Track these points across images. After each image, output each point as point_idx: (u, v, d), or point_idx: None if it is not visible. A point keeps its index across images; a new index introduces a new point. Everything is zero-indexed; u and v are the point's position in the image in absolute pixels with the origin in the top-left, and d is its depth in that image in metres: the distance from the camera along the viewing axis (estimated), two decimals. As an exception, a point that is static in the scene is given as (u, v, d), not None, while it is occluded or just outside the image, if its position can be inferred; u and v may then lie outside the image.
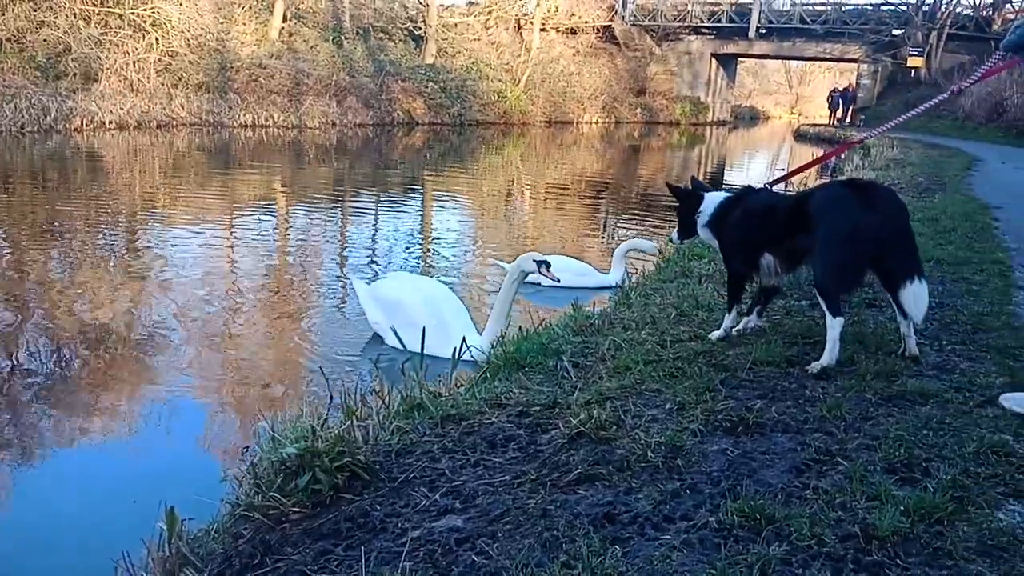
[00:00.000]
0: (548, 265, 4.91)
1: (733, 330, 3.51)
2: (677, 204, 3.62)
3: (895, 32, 33.25)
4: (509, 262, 7.43)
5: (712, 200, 3.50)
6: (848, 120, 31.78)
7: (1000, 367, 3.04)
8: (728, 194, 3.53)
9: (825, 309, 3.02)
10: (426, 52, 31.77)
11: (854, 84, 33.28)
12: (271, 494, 2.24)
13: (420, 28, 32.64)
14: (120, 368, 4.92)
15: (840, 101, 33.20)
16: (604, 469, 2.25)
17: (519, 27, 37.04)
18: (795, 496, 2.07)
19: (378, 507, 2.17)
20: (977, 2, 32.75)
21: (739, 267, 3.43)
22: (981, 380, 2.89)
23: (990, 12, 32.25)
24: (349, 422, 2.52)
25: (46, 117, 18.54)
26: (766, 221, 3.27)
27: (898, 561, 1.78)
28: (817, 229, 3.02)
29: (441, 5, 34.10)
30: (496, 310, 4.78)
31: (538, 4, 36.36)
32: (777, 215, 3.23)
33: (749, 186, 3.58)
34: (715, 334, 3.44)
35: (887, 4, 34.68)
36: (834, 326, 3.00)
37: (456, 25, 35.13)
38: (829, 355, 3.01)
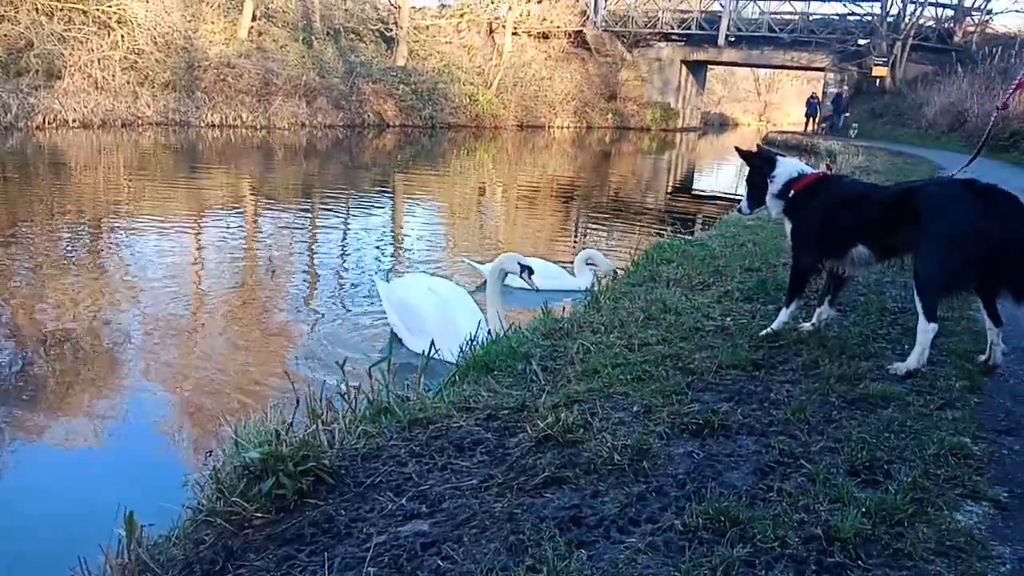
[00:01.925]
0: (531, 271, 4.88)
1: (811, 324, 3.45)
2: (748, 169, 3.49)
3: (861, 42, 33.79)
4: (480, 262, 7.44)
5: (790, 167, 3.35)
6: (817, 129, 31.95)
7: (960, 371, 3.10)
8: (806, 167, 3.38)
9: (920, 312, 2.95)
10: (397, 54, 31.62)
11: (847, 89, 33.08)
12: (234, 499, 2.20)
13: (391, 30, 32.49)
14: (81, 371, 4.81)
15: (817, 108, 33.07)
16: (571, 472, 2.25)
17: (491, 31, 37.03)
18: (759, 498, 2.09)
19: (343, 512, 2.14)
20: (939, 14, 33.53)
21: (810, 258, 3.32)
22: (941, 383, 2.94)
23: (952, 24, 33.03)
24: (314, 426, 2.49)
25: (7, 114, 18.15)
26: (862, 210, 3.15)
27: (859, 562, 1.81)
28: (926, 226, 2.91)
29: (413, 7, 33.99)
30: (489, 311, 4.78)
31: (510, 8, 36.35)
32: (875, 205, 3.13)
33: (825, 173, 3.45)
34: (774, 325, 3.44)
35: (853, 14, 35.32)
36: (926, 331, 2.93)
37: (428, 27, 35.01)
38: (916, 359, 2.98)
